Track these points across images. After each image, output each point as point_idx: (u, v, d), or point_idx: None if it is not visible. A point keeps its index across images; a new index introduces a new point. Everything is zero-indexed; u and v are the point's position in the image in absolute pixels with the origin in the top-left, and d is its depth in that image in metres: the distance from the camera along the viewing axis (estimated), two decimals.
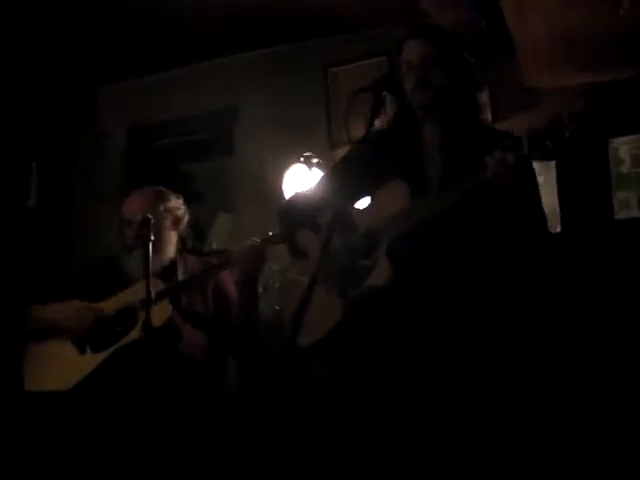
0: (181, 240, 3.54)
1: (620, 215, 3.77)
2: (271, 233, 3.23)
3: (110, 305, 3.27)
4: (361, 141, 2.55)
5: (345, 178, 2.72)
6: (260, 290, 3.31)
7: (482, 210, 2.39)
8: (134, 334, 3.12)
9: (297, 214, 2.86)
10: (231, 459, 3.28)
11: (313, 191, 2.92)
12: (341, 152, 4.31)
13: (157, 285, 3.16)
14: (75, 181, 5.27)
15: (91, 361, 3.16)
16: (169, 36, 4.63)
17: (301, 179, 4.31)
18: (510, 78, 3.81)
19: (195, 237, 3.62)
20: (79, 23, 4.48)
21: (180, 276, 3.41)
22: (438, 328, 2.42)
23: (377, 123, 2.46)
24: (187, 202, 3.57)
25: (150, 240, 2.93)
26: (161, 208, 3.42)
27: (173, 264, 3.45)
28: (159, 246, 3.34)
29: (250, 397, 4.05)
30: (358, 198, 2.73)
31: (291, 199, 3.05)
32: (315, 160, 4.33)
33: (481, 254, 2.42)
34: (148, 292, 2.82)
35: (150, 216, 2.99)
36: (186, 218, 3.53)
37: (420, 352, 2.43)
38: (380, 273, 2.47)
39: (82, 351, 3.20)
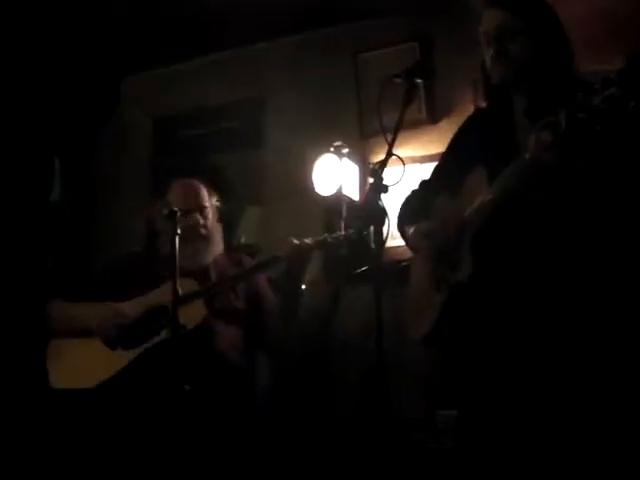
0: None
1: None
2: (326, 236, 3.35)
3: (141, 303, 3.27)
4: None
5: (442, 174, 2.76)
6: (303, 287, 3.33)
7: (540, 196, 2.35)
8: (165, 334, 3.11)
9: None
10: (259, 463, 3.30)
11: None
12: (373, 141, 4.35)
13: (191, 285, 3.19)
14: (99, 174, 5.30)
15: (121, 360, 3.17)
16: (196, 23, 4.64)
17: (331, 170, 4.30)
18: None
19: (223, 232, 3.64)
20: (101, 12, 4.50)
21: (212, 275, 3.43)
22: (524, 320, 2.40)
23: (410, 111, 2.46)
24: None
25: (177, 234, 2.92)
26: (212, 201, 3.50)
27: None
28: (210, 241, 3.43)
29: (282, 401, 4.07)
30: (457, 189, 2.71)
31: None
32: (346, 150, 4.32)
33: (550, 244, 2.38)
34: (175, 292, 2.82)
35: (176, 209, 2.96)
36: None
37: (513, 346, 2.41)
38: (464, 269, 2.48)
39: (112, 349, 3.21)
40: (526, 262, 2.40)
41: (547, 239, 2.37)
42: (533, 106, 2.51)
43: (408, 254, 3.84)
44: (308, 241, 3.29)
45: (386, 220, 2.30)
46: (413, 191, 2.95)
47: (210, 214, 3.46)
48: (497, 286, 2.44)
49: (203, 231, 3.41)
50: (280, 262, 3.30)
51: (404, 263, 3.66)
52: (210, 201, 3.49)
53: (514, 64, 2.50)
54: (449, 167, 2.80)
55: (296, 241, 3.27)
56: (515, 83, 2.54)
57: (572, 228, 2.35)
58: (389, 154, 2.38)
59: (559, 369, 2.34)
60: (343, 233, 3.44)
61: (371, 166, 4.29)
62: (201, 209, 3.43)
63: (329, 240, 3.34)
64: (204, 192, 3.48)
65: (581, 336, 2.32)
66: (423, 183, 2.94)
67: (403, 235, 2.86)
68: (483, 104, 2.79)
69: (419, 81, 2.48)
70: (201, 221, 3.41)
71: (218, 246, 3.50)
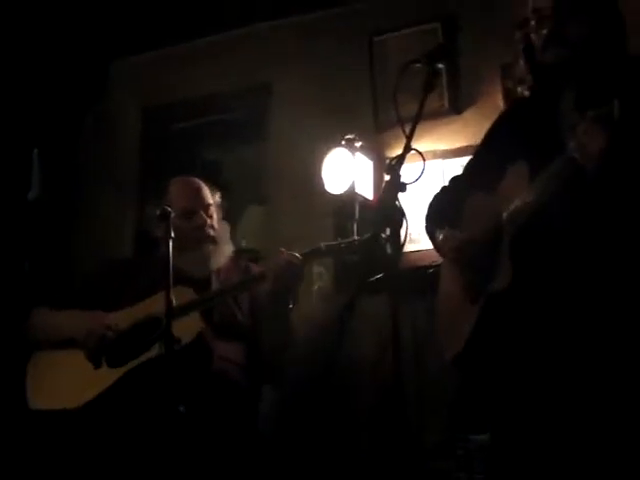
0: None
1: None
2: (322, 245, 3.28)
3: (132, 314, 3.26)
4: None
5: (480, 166, 2.76)
6: (290, 306, 3.31)
7: (581, 200, 2.34)
8: (157, 349, 3.06)
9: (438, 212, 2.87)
10: None
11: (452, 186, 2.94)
12: (389, 134, 4.36)
13: (188, 294, 3.19)
14: (82, 170, 5.31)
15: (107, 377, 3.15)
16: (191, 1, 4.65)
17: (343, 165, 4.32)
18: None
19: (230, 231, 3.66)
20: None
21: (214, 284, 3.42)
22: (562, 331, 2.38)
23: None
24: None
25: (171, 237, 2.90)
26: (216, 198, 3.53)
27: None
28: (219, 243, 3.45)
29: (289, 426, 4.07)
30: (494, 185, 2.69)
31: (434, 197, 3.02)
32: (359, 143, 4.33)
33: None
34: (168, 302, 2.79)
35: (170, 209, 2.92)
36: None
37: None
38: (501, 278, 2.48)
39: (97, 365, 3.20)
40: (571, 272, 2.39)
41: (595, 247, 2.36)
42: (583, 95, 2.49)
43: (428, 260, 3.87)
44: (322, 245, 3.28)
45: (404, 222, 2.29)
46: (443, 188, 2.96)
47: (215, 213, 3.49)
48: (539, 298, 2.43)
49: (211, 232, 3.43)
50: (264, 280, 3.27)
51: (430, 270, 3.66)
52: (214, 198, 3.52)
53: (570, 46, 2.48)
54: (485, 162, 2.78)
55: (286, 253, 3.23)
56: (568, 68, 2.54)
57: (624, 234, 2.34)
58: (407, 148, 2.38)
59: (611, 390, 2.32)
60: (357, 238, 3.43)
61: (387, 161, 4.29)
62: (206, 208, 3.45)
63: (342, 246, 3.33)
64: (206, 189, 3.50)
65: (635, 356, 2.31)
66: (454, 180, 2.94)
67: (432, 239, 2.85)
68: (525, 92, 2.77)
69: (441, 66, 2.48)
70: (208, 221, 3.43)
71: (228, 248, 3.53)
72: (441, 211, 2.85)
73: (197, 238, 3.39)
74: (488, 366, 2.55)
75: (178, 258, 3.02)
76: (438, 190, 2.96)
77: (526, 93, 2.74)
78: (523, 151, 2.53)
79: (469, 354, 2.54)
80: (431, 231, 2.84)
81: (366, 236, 3.34)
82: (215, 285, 3.41)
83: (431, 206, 2.92)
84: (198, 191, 3.48)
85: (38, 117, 4.98)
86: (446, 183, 2.96)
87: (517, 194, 2.47)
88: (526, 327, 2.43)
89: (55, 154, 5.10)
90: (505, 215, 2.51)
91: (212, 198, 3.50)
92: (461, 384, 2.93)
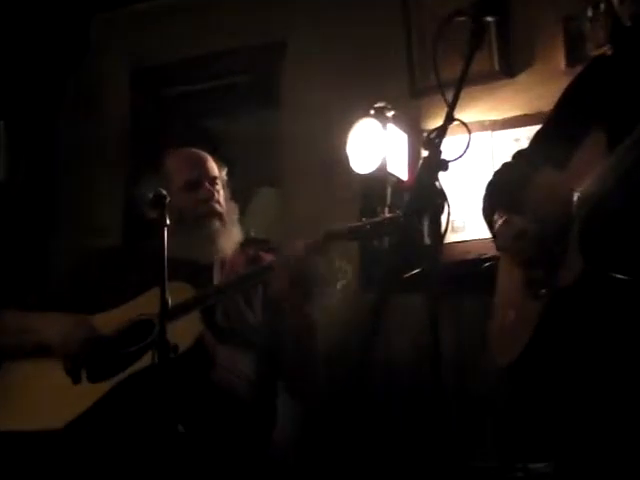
0: None
1: None
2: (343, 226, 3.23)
3: (119, 316, 3.26)
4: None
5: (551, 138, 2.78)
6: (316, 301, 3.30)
7: None
8: (148, 358, 2.94)
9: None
10: None
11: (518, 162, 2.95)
12: (427, 101, 4.36)
13: (186, 290, 3.20)
14: (61, 145, 5.35)
15: (88, 395, 3.14)
16: None
17: (372, 139, 4.32)
18: None
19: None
20: None
21: (216, 276, 3.42)
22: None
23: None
24: None
25: (166, 225, 2.89)
26: (222, 174, 3.53)
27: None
28: (226, 223, 3.43)
29: (308, 451, 4.07)
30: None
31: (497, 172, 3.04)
32: (391, 113, 4.33)
33: None
34: (163, 301, 2.78)
35: (164, 192, 2.89)
36: None
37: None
38: (569, 272, 2.49)
39: (75, 380, 3.20)
40: None
41: None
42: None
43: (474, 252, 3.88)
44: (337, 227, 3.23)
45: (445, 207, 2.30)
46: (505, 165, 2.97)
47: (222, 188, 3.49)
48: (611, 297, 2.43)
49: (218, 207, 3.42)
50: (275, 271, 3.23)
51: (483, 264, 3.66)
52: (220, 172, 3.52)
53: None
54: (556, 132, 2.79)
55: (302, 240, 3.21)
56: None
57: None
58: (449, 118, 2.39)
59: None
60: (387, 216, 3.41)
61: (425, 135, 4.30)
62: (212, 180, 3.45)
63: (368, 227, 3.26)
64: (212, 160, 3.51)
65: None
66: (519, 155, 2.95)
67: (490, 225, 2.85)
68: (608, 51, 2.78)
69: (490, 20, 2.49)
70: (215, 195, 3.43)
71: (236, 231, 3.51)
72: (502, 192, 2.85)
73: (201, 213, 3.37)
74: (550, 378, 2.56)
75: (178, 238, 3.02)
76: (499, 167, 2.97)
77: (608, 52, 2.75)
78: (602, 119, 2.53)
79: (528, 362, 2.55)
80: (489, 215, 2.84)
81: (398, 214, 3.30)
82: (218, 278, 3.42)
83: (490, 186, 2.92)
84: (203, 161, 3.48)
85: (5, 84, 5.00)
86: (496, 160, 2.97)
87: (592, 170, 2.48)
88: (598, 332, 2.44)
89: (27, 127, 5.12)
90: (576, 196, 2.51)
91: (219, 172, 3.52)
92: (516, 399, 2.92)
